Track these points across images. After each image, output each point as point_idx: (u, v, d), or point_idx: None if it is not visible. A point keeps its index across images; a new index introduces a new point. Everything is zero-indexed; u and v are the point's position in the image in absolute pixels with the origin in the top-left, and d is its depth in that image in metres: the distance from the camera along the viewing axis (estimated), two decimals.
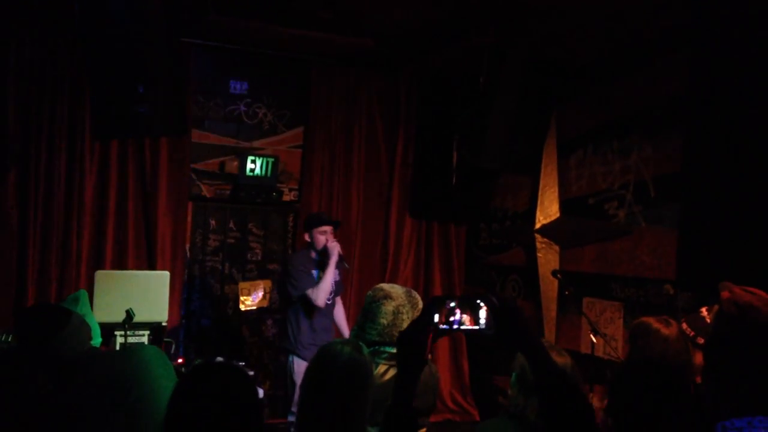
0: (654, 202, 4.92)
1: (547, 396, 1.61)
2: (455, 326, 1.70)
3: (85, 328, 2.49)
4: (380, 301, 2.69)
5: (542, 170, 6.01)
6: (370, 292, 2.79)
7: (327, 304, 4.99)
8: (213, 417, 1.63)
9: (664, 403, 1.58)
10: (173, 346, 5.20)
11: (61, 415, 2.19)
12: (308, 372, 2.08)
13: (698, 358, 2.86)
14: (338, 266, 5.03)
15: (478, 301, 1.70)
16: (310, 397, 2.03)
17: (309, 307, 4.93)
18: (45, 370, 2.33)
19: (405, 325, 2.67)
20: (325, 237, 5.01)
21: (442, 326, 1.71)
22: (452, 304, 1.70)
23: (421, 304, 2.81)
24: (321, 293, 4.86)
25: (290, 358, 4.91)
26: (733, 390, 1.83)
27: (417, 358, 1.70)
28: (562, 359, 2.23)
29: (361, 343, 2.18)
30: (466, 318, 1.70)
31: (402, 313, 2.68)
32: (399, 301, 2.70)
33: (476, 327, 1.70)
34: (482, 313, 1.69)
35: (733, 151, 4.16)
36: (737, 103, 4.13)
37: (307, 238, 5.11)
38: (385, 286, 2.80)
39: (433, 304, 1.72)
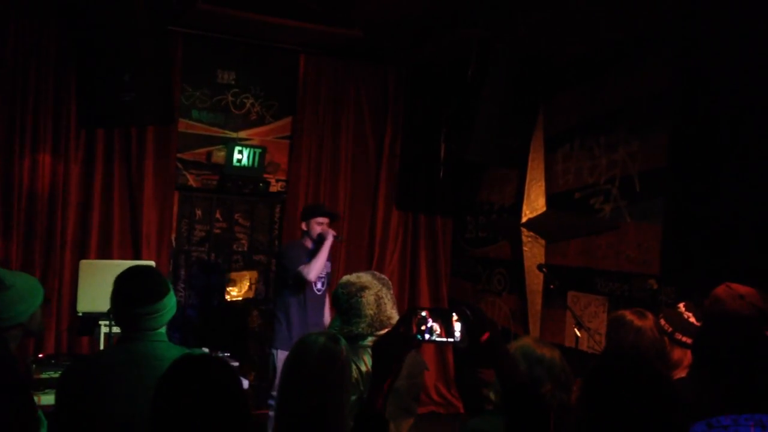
0: (639, 197, 4.95)
1: (512, 408, 1.69)
2: (428, 337, 1.72)
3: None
4: (358, 294, 2.67)
5: (529, 164, 6.03)
6: (339, 289, 2.74)
7: (317, 294, 5.04)
8: (197, 410, 1.62)
9: (637, 394, 1.58)
10: None
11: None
12: (285, 364, 2.09)
13: (676, 353, 2.88)
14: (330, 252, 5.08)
15: (453, 314, 1.73)
16: (288, 389, 2.03)
17: (301, 300, 4.96)
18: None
19: (389, 308, 2.68)
20: (321, 228, 5.07)
21: (415, 337, 1.72)
22: (424, 315, 1.72)
23: (390, 284, 2.81)
24: (313, 268, 4.86)
25: (274, 352, 4.94)
26: (719, 387, 1.83)
27: (389, 368, 1.72)
28: (550, 353, 2.26)
29: (337, 334, 2.18)
30: (438, 329, 1.73)
31: (383, 298, 2.69)
32: (375, 289, 2.69)
33: (450, 339, 1.73)
34: (456, 326, 1.72)
35: (718, 147, 4.20)
36: (723, 99, 4.16)
37: (303, 227, 5.18)
38: (351, 278, 2.76)
39: (407, 315, 1.74)
